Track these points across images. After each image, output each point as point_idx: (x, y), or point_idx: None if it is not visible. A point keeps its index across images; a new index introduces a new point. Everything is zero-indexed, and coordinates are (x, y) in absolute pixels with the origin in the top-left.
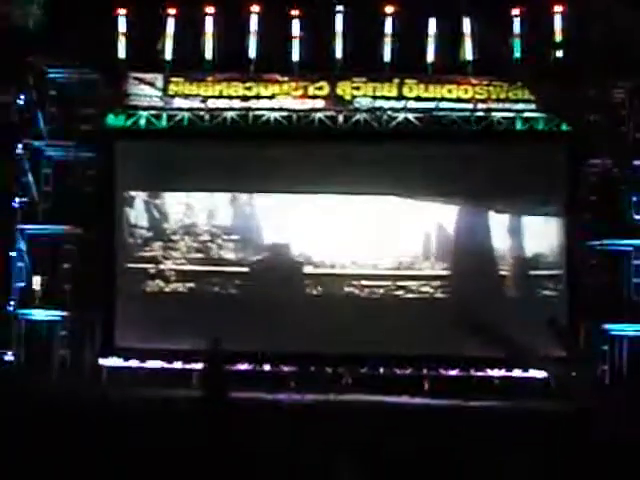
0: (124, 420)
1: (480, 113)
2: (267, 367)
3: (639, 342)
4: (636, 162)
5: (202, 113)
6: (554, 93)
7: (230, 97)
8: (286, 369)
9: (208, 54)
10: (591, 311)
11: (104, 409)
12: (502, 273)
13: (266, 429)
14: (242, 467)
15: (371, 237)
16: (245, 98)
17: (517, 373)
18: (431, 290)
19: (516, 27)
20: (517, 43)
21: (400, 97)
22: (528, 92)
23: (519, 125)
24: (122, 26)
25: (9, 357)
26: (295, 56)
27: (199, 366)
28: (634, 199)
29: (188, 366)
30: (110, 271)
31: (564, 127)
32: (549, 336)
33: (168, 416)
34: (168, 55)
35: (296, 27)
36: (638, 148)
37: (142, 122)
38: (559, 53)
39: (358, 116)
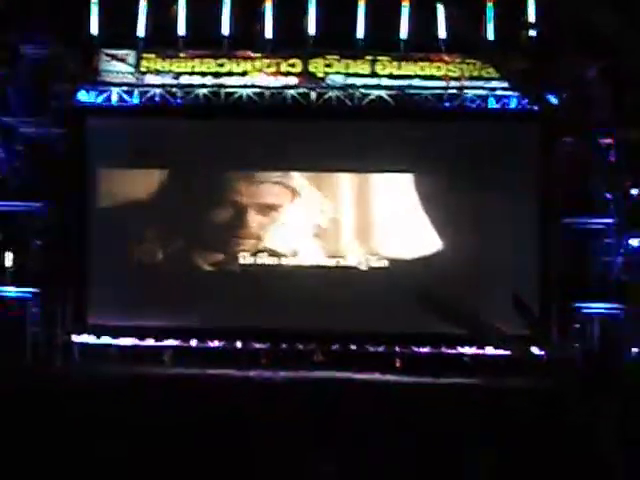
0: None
1: (453, 91)
2: (239, 344)
3: (610, 320)
4: (606, 140)
5: (174, 90)
6: (523, 71)
7: (202, 74)
8: (257, 346)
9: (181, 30)
10: (562, 289)
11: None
12: (473, 249)
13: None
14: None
15: (343, 212)
16: (217, 75)
17: (489, 351)
18: (402, 266)
19: (488, 6)
20: (489, 22)
21: (373, 74)
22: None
23: (492, 103)
24: (94, 2)
25: None
26: (268, 33)
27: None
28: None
29: (159, 343)
30: (81, 248)
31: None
32: (515, 314)
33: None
34: (140, 31)
35: (269, 3)
36: (608, 126)
37: (114, 98)
38: (531, 32)
39: (331, 93)
